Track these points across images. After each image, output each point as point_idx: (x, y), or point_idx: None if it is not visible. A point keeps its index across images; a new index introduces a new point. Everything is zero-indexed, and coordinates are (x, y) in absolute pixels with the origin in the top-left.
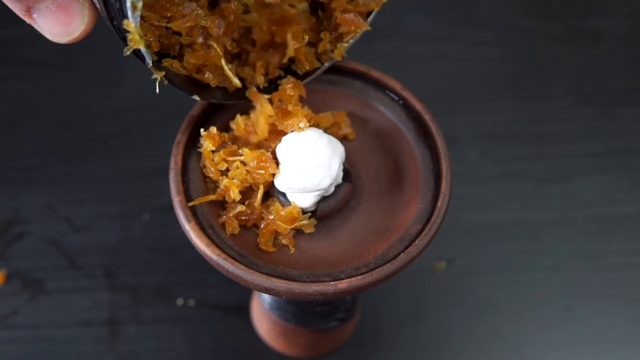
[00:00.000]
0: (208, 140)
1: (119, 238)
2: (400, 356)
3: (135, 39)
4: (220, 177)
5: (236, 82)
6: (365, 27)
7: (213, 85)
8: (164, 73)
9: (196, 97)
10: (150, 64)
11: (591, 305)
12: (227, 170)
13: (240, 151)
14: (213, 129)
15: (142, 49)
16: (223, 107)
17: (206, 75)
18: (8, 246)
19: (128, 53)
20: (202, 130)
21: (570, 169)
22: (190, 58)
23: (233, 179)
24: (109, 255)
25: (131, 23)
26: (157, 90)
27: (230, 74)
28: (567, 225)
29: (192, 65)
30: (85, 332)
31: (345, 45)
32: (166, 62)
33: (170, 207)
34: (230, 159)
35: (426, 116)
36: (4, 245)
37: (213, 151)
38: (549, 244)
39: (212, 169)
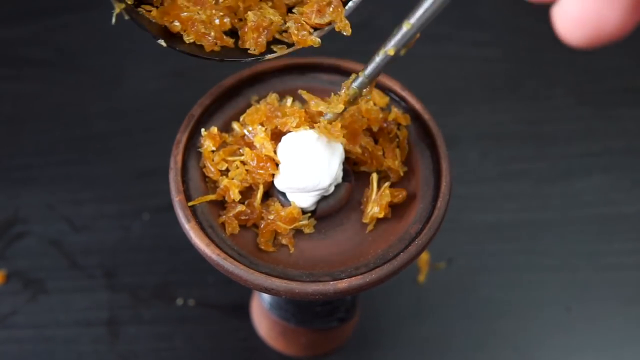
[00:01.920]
0: (209, 140)
1: (118, 238)
2: (400, 356)
3: None
4: (220, 177)
5: (230, 42)
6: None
7: (187, 41)
8: (123, 5)
9: (162, 43)
10: None
11: (591, 305)
12: (227, 170)
13: (240, 151)
14: (214, 129)
15: None
16: (223, 106)
17: (175, 23)
18: (8, 246)
19: None
20: (202, 130)
21: (570, 169)
22: (169, 10)
23: (233, 179)
24: (108, 255)
25: None
26: (113, 21)
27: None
28: (567, 225)
29: (170, 17)
30: (85, 331)
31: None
32: (144, 8)
33: (170, 207)
34: (230, 158)
35: (426, 116)
36: (4, 245)
37: (213, 151)
38: (549, 244)
39: (212, 169)
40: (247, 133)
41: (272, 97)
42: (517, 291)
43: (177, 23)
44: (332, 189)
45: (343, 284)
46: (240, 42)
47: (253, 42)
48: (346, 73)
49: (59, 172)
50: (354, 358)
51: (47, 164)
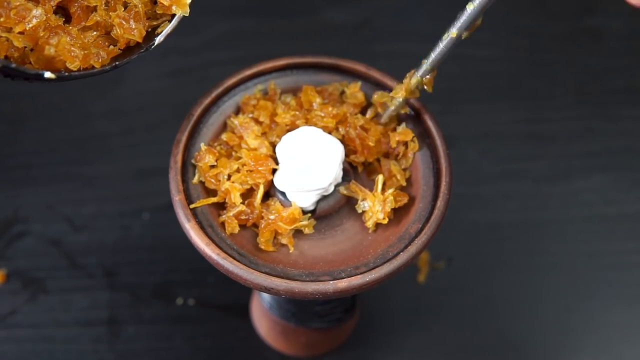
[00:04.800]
0: (209, 154)
1: (118, 237)
2: (399, 356)
3: None
4: (222, 180)
5: (115, 51)
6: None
7: (74, 68)
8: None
9: (50, 75)
10: None
11: (591, 305)
12: (228, 175)
13: (238, 154)
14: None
15: None
16: (223, 106)
17: (51, 51)
18: (8, 245)
19: None
20: (202, 145)
21: (570, 169)
22: None
23: (234, 182)
24: (108, 255)
25: None
26: None
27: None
28: (567, 225)
29: None
30: (85, 331)
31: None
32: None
33: (170, 207)
34: (227, 168)
35: (426, 115)
36: (4, 244)
37: (212, 166)
38: (549, 244)
39: (213, 181)
40: (238, 126)
41: (272, 86)
42: (517, 291)
43: (52, 50)
44: (332, 188)
45: (343, 284)
46: (119, 45)
47: (136, 35)
48: (346, 72)
49: (59, 171)
50: (354, 358)
51: (47, 164)
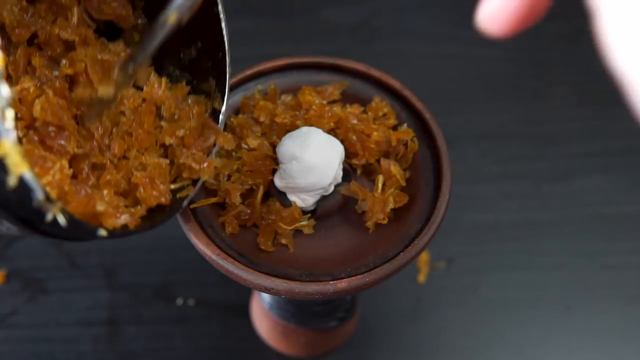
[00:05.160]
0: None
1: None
2: (400, 356)
3: (17, 162)
4: (222, 180)
5: (143, 211)
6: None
7: (111, 226)
8: (60, 204)
9: (103, 233)
10: (42, 198)
11: (591, 304)
12: (228, 176)
13: (238, 154)
14: None
15: (28, 174)
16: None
17: (99, 208)
18: (8, 246)
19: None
20: None
21: (570, 169)
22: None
23: (234, 182)
24: (108, 255)
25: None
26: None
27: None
28: (567, 225)
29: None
30: (85, 331)
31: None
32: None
33: None
34: (228, 168)
35: (426, 115)
36: (4, 244)
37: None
38: (549, 244)
39: (213, 182)
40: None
41: (272, 88)
42: (517, 291)
43: (102, 207)
44: (332, 188)
45: (343, 284)
46: (144, 206)
47: (154, 199)
48: (346, 72)
49: None
50: (354, 358)
51: None
